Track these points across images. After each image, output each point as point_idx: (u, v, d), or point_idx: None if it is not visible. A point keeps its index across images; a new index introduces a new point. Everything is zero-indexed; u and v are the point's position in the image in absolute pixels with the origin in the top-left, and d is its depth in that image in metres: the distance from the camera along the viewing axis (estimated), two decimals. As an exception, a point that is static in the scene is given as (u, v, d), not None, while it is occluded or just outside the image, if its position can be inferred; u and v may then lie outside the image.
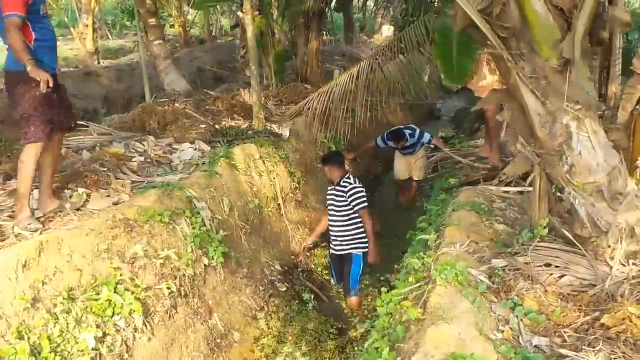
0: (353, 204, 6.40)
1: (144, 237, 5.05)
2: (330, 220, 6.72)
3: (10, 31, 4.48)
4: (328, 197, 6.70)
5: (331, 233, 6.75)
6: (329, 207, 6.68)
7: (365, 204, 6.44)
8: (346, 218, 6.52)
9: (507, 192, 6.26)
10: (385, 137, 9.67)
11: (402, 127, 10.05)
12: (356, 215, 6.50)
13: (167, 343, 4.93)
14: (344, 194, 6.40)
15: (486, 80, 7.30)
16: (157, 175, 6.37)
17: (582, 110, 4.10)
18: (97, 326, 4.28)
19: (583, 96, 4.11)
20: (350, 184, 6.42)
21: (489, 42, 4.16)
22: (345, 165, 6.77)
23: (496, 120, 7.31)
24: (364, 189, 6.47)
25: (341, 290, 7.03)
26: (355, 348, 5.70)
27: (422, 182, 10.29)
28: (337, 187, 6.48)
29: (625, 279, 3.95)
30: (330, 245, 6.89)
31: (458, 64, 6.87)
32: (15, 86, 4.71)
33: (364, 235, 6.58)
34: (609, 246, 4.15)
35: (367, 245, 6.59)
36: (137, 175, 6.28)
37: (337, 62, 15.89)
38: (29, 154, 4.75)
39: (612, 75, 8.69)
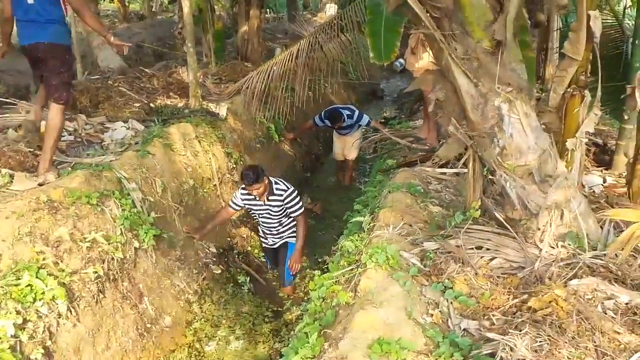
0: (289, 211, 6.26)
1: (69, 220, 4.87)
2: (263, 224, 6.59)
3: (87, 11, 5.53)
4: (258, 208, 6.38)
5: (264, 231, 6.67)
6: (262, 217, 6.48)
7: (302, 209, 6.32)
8: (283, 220, 6.47)
9: (444, 173, 6.28)
10: (323, 115, 9.62)
11: (340, 106, 10.01)
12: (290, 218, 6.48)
13: (94, 329, 4.79)
14: (281, 202, 6.20)
15: (423, 61, 7.28)
16: (87, 155, 6.14)
17: (513, 92, 4.12)
18: (18, 312, 4.11)
19: (515, 78, 4.12)
20: (285, 190, 6.18)
21: (422, 22, 4.11)
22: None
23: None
24: (296, 191, 6.30)
25: (277, 273, 6.96)
26: (291, 332, 5.64)
27: (359, 162, 10.29)
28: (271, 198, 6.19)
29: (554, 261, 3.99)
30: (262, 239, 6.87)
31: (385, 40, 6.81)
32: (64, 57, 5.48)
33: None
34: (539, 229, 4.21)
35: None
36: (66, 155, 6.05)
37: (280, 41, 15.71)
38: (63, 115, 5.53)
39: (549, 57, 8.84)
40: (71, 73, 5.79)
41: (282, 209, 6.25)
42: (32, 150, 5.75)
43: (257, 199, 6.14)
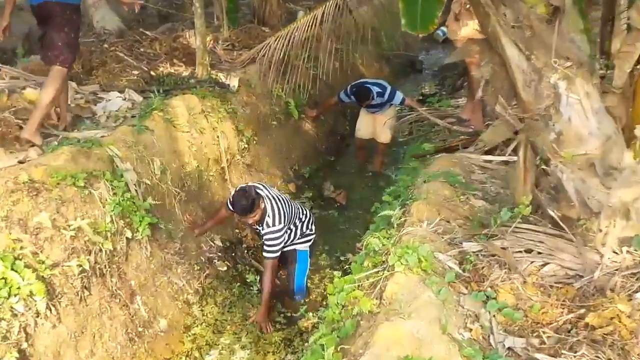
0: (264, 247, 6.13)
1: (52, 204, 4.84)
2: None
3: None
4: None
5: None
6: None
7: (272, 255, 6.10)
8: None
9: (489, 161, 6.15)
10: (349, 90, 9.49)
11: (370, 81, 9.84)
12: (297, 226, 6.43)
13: (77, 331, 4.77)
14: (261, 236, 6.15)
15: (468, 29, 7.12)
16: (76, 129, 6.11)
17: (572, 67, 4.01)
18: (-12, 310, 4.11)
19: (574, 51, 4.00)
20: (269, 226, 6.02)
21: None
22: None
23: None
24: (280, 231, 6.07)
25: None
26: (305, 342, 5.59)
27: (391, 145, 10.16)
28: (259, 225, 6.13)
29: (617, 269, 3.89)
30: None
31: (424, 6, 6.66)
32: (72, 16, 5.73)
33: (310, 230, 6.57)
34: (600, 230, 4.09)
35: (313, 237, 6.60)
36: (51, 128, 6.02)
37: (303, 2, 15.53)
38: (63, 79, 5.84)
39: (616, 29, 8.62)
40: (77, 35, 5.97)
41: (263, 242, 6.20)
42: (18, 121, 5.74)
43: None
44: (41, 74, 7.36)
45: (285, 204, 6.20)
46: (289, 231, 6.27)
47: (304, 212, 6.62)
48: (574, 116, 4.01)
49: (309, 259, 6.64)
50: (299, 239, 6.50)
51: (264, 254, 6.11)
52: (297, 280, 6.57)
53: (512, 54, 4.03)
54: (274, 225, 6.00)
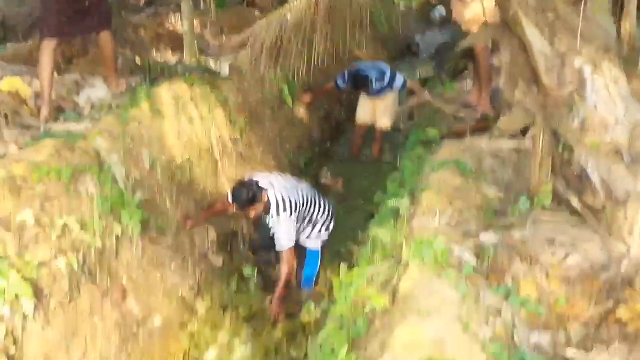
0: (276, 240, 6.10)
1: (36, 201, 4.74)
2: None
3: None
4: None
5: None
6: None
7: (285, 245, 6.07)
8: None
9: (500, 148, 6.07)
10: (347, 76, 9.40)
11: (367, 65, 9.75)
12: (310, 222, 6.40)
13: (67, 333, 4.70)
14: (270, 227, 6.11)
15: (475, 10, 7.04)
16: (57, 120, 6.02)
17: (599, 51, 3.94)
18: (-28, 314, 4.03)
19: (601, 34, 3.96)
20: (273, 216, 6.00)
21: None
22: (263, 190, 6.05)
23: (489, 59, 7.10)
24: (287, 220, 6.03)
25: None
26: (308, 337, 5.50)
27: (390, 132, 10.09)
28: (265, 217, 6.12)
29: (645, 260, 3.81)
30: None
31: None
32: None
33: (324, 224, 6.47)
34: (627, 219, 4.01)
35: (326, 232, 6.52)
36: (31, 121, 5.92)
37: (295, -17, 15.50)
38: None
39: (627, 11, 8.57)
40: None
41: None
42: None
43: None
44: (18, 62, 7.28)
45: (294, 193, 6.15)
46: (304, 224, 6.28)
47: (323, 206, 6.55)
48: (600, 102, 3.96)
49: (319, 258, 6.61)
50: (309, 234, 6.47)
51: (278, 243, 6.08)
52: (305, 278, 6.58)
53: (533, 38, 3.99)
54: (278, 214, 5.95)
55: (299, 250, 6.49)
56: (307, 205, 6.27)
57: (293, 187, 6.24)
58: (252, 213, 5.95)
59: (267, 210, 5.97)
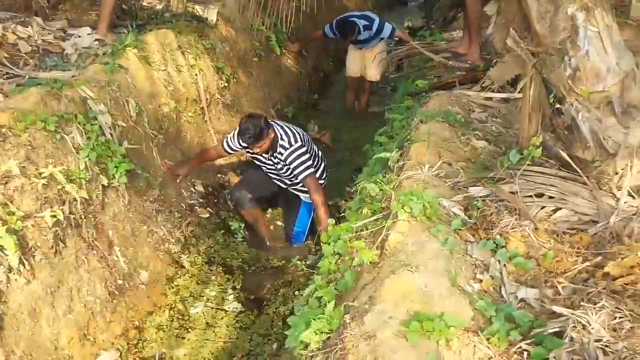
0: (295, 172, 6.04)
1: (21, 150, 4.65)
2: (269, 173, 6.46)
3: None
4: (260, 159, 6.28)
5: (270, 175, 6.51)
6: (267, 169, 6.37)
7: (308, 172, 6.02)
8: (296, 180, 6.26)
9: (490, 99, 6.02)
10: (335, 26, 9.30)
11: (355, 14, 9.63)
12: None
13: (53, 286, 4.64)
14: (283, 162, 6.03)
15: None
16: (43, 68, 5.88)
17: (592, -2, 3.83)
18: (-44, 266, 3.98)
19: (594, -20, 3.83)
20: (286, 148, 5.94)
21: None
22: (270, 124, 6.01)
23: (479, 8, 7.00)
24: (304, 147, 6.01)
25: (245, 203, 6.64)
26: (296, 292, 5.48)
27: (379, 83, 10.01)
28: (275, 155, 6.04)
29: (634, 214, 3.79)
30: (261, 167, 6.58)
31: None
32: None
33: (319, 174, 6.37)
34: (617, 173, 4.00)
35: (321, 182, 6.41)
36: (17, 68, 5.79)
37: None
38: None
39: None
40: None
41: (289, 170, 6.06)
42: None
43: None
44: (2, 8, 7.12)
45: (299, 130, 6.19)
46: (313, 156, 6.22)
47: (320, 155, 6.54)
48: (592, 50, 3.87)
49: (312, 210, 6.53)
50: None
51: (300, 176, 6.03)
52: (297, 232, 6.54)
53: (527, -17, 3.87)
54: (290, 145, 5.94)
55: (292, 202, 6.47)
56: (310, 145, 6.24)
57: (296, 127, 6.23)
58: (258, 149, 5.88)
59: (274, 147, 5.93)
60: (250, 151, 6.12)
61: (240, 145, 6.06)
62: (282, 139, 5.94)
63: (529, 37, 4.06)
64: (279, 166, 6.08)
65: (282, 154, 5.94)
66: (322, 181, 6.45)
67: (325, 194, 6.18)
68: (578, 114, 3.99)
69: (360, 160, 6.55)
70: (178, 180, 6.44)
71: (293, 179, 6.24)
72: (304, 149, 5.97)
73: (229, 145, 6.22)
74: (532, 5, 3.90)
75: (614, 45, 3.92)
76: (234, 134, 6.13)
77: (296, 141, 5.95)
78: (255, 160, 6.38)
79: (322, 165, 6.48)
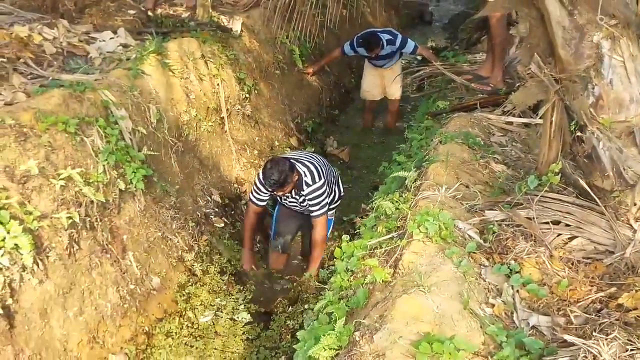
0: (311, 208, 5.99)
1: (41, 151, 4.66)
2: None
3: None
4: (282, 199, 6.27)
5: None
6: (288, 204, 6.33)
7: (322, 212, 5.96)
8: None
9: (510, 123, 6.01)
10: (356, 42, 9.29)
11: (378, 30, 9.64)
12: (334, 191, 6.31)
13: (65, 287, 4.64)
14: (304, 197, 5.97)
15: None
16: (67, 71, 5.91)
17: (618, 26, 3.82)
18: (-29, 263, 3.98)
19: (622, 9, 3.82)
20: (309, 185, 5.87)
21: None
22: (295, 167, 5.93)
23: (504, 32, 6.99)
24: (325, 185, 5.95)
25: (279, 247, 6.64)
26: (306, 307, 5.47)
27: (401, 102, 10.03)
28: (298, 194, 5.99)
29: (651, 247, 3.76)
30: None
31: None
32: None
33: (338, 200, 6.35)
34: (635, 204, 3.97)
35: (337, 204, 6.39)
36: (41, 68, 5.82)
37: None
38: None
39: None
40: None
41: (307, 203, 6.01)
42: (3, 59, 5.54)
43: None
44: (29, 9, 7.18)
45: (319, 161, 6.10)
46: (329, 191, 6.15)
47: (336, 177, 6.49)
48: (616, 79, 3.86)
49: (331, 226, 6.48)
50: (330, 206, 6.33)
51: (313, 214, 5.97)
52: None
53: (553, 9, 3.85)
54: (314, 182, 5.86)
55: (305, 222, 6.47)
56: (329, 177, 6.18)
57: (310, 155, 6.19)
58: (281, 193, 5.83)
59: (300, 186, 5.86)
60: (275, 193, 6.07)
61: (267, 191, 5.95)
62: (305, 175, 5.86)
63: (552, 63, 4.05)
64: (301, 199, 6.02)
65: (304, 190, 5.87)
66: (341, 194, 6.48)
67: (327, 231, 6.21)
68: (599, 143, 3.97)
69: (376, 178, 6.53)
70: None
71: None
72: (324, 188, 5.91)
73: (257, 199, 6.11)
74: (557, 31, 3.88)
75: (638, 75, 3.90)
76: (256, 184, 6.04)
77: (319, 178, 5.88)
78: (277, 197, 6.34)
79: (336, 181, 6.45)
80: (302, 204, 6.08)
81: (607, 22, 3.78)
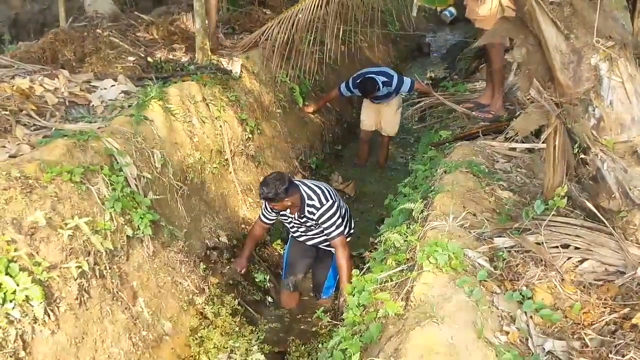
0: (326, 232, 5.95)
1: (47, 201, 4.68)
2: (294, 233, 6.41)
3: None
4: (290, 221, 6.22)
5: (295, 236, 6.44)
6: (294, 230, 6.32)
7: (338, 232, 5.91)
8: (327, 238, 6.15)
9: (514, 149, 6.02)
10: (352, 83, 9.33)
11: (373, 70, 9.64)
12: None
13: (77, 337, 4.63)
14: (314, 221, 5.95)
15: (486, 6, 6.97)
16: (69, 120, 5.96)
17: (615, 48, 3.87)
18: (-18, 317, 3.97)
19: (618, 30, 3.87)
20: (317, 208, 5.85)
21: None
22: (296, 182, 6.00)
23: (502, 59, 7.03)
24: (335, 206, 5.92)
25: (290, 286, 6.67)
26: (319, 345, 5.46)
27: (402, 133, 10.04)
28: (303, 216, 5.98)
29: (662, 265, 3.76)
30: (292, 232, 6.53)
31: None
32: None
33: (346, 226, 6.25)
34: (643, 223, 3.95)
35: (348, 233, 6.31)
36: (43, 119, 5.87)
37: (305, -18, 15.45)
38: None
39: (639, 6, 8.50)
40: None
41: (319, 228, 6.01)
42: (5, 112, 5.58)
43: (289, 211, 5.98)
44: (30, 61, 7.26)
45: (326, 186, 6.13)
46: (343, 211, 6.12)
47: (345, 207, 6.43)
48: (616, 100, 3.88)
49: None
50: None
51: (329, 236, 5.93)
52: (326, 286, 6.52)
53: (549, 34, 3.89)
54: (321, 204, 5.85)
55: (323, 259, 6.47)
56: (339, 200, 6.17)
57: (322, 184, 6.22)
58: (278, 208, 5.83)
59: (302, 209, 5.87)
60: (279, 213, 6.07)
61: (271, 208, 6.01)
62: (310, 198, 5.85)
63: (552, 88, 4.08)
64: (309, 224, 6.03)
65: (313, 214, 5.85)
66: (351, 230, 6.43)
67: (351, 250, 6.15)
68: (603, 164, 3.99)
69: (383, 211, 6.52)
70: (243, 271, 6.47)
71: (324, 237, 6.12)
72: (335, 208, 5.89)
73: (265, 217, 6.21)
74: (555, 55, 3.92)
75: (638, 95, 3.92)
76: (263, 203, 6.11)
77: (327, 199, 5.87)
78: (286, 223, 6.34)
79: (347, 215, 6.40)
80: (310, 231, 6.12)
81: (603, 44, 3.82)
